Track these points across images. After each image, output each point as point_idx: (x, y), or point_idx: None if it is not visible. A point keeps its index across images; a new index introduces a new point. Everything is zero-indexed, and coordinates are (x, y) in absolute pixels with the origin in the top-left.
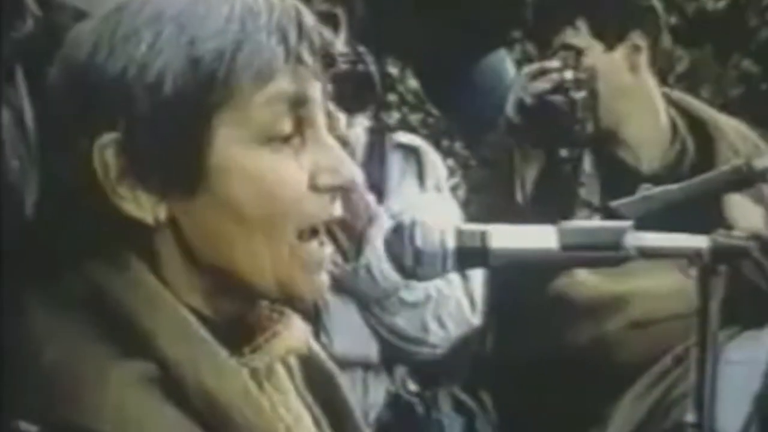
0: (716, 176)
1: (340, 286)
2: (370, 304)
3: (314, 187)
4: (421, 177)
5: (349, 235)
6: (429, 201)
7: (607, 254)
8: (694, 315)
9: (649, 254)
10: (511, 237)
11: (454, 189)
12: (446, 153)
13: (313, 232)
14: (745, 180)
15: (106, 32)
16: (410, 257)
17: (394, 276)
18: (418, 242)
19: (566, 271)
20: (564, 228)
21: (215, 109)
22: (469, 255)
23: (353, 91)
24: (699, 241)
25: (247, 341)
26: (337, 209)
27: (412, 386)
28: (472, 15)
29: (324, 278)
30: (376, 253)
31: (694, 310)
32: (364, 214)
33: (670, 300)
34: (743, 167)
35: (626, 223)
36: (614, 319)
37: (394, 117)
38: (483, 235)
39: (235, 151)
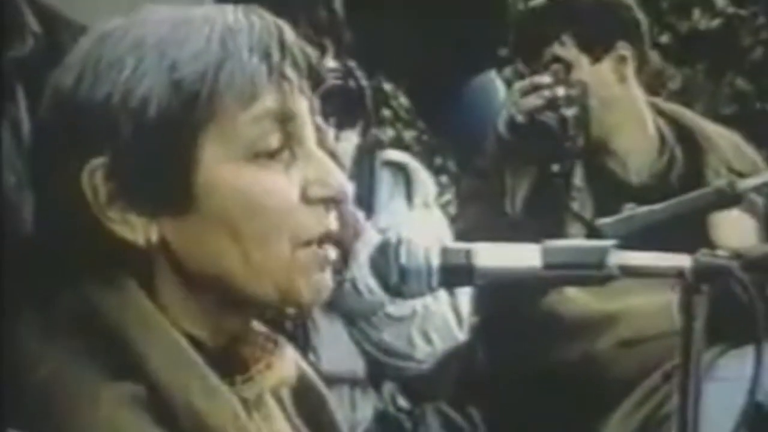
0: (700, 196)
1: (326, 302)
2: (356, 319)
3: (306, 200)
4: (409, 194)
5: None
6: (417, 218)
7: (590, 273)
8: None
9: (631, 273)
10: (495, 255)
11: (446, 206)
12: (439, 170)
13: (309, 243)
14: (728, 200)
15: (91, 61)
16: (395, 275)
17: (379, 290)
18: (403, 260)
19: (554, 288)
20: (548, 247)
21: (200, 128)
22: (454, 273)
23: (343, 107)
24: (681, 261)
25: (240, 371)
26: (333, 222)
27: (401, 402)
28: (462, 35)
29: (326, 278)
30: (361, 267)
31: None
32: (350, 228)
33: (659, 318)
34: (727, 188)
35: (609, 242)
36: (604, 337)
37: (388, 133)
38: (468, 254)
39: (223, 168)
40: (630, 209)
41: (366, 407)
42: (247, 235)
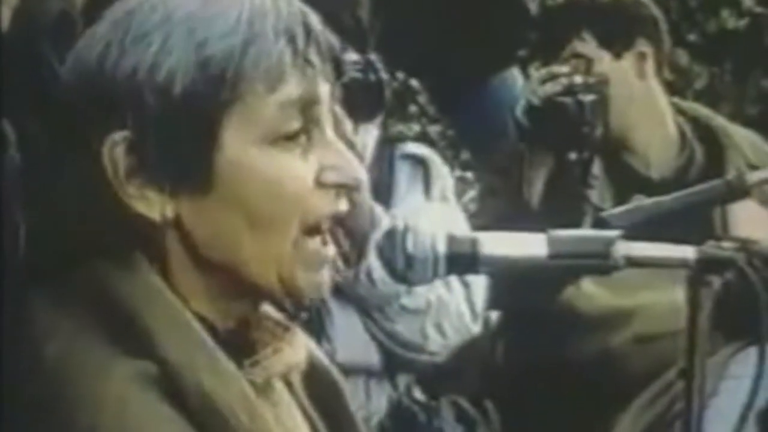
0: (708, 188)
1: (341, 290)
2: (371, 310)
3: (319, 184)
4: (427, 186)
5: (351, 240)
6: (433, 210)
7: (595, 263)
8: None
9: (637, 264)
10: (501, 244)
11: (471, 201)
12: (465, 166)
13: (317, 230)
14: (737, 193)
15: (118, 34)
16: (401, 262)
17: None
18: (410, 247)
19: (560, 278)
20: (553, 236)
21: (224, 108)
22: (459, 261)
23: (362, 100)
24: (686, 252)
25: (248, 355)
26: (343, 205)
27: (416, 394)
28: (483, 33)
29: (325, 277)
30: (376, 258)
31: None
32: (367, 219)
33: (675, 314)
34: (735, 180)
35: (615, 233)
36: (619, 332)
37: (413, 129)
38: (473, 242)
39: (244, 150)
40: (638, 200)
41: (381, 398)
42: (261, 217)
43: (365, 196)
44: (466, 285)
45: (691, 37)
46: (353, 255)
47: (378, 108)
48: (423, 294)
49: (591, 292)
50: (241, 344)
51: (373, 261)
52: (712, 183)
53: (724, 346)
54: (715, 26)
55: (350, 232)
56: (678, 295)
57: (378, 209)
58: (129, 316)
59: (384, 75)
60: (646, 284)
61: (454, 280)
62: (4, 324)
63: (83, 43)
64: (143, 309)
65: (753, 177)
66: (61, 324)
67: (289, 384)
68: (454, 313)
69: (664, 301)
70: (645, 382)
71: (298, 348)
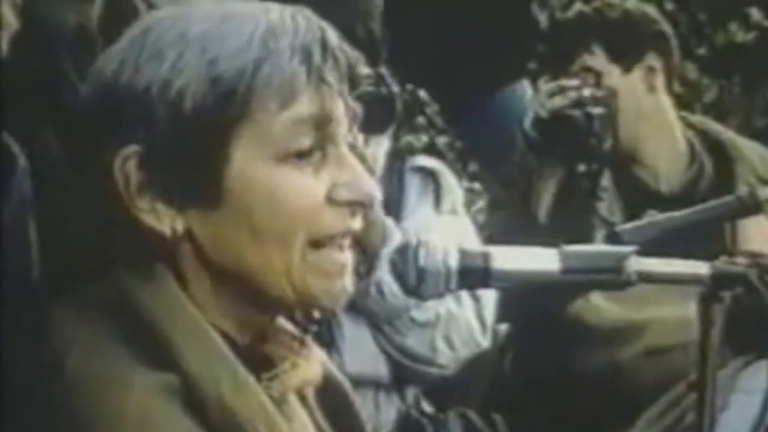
0: (720, 204)
1: (351, 303)
2: (381, 323)
3: (331, 201)
4: (437, 199)
5: (361, 254)
6: (443, 223)
7: (608, 278)
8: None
9: (649, 279)
10: (513, 259)
11: (478, 213)
12: (473, 177)
13: (328, 241)
14: (749, 208)
15: (133, 52)
16: (414, 276)
17: (403, 294)
18: (422, 261)
19: (572, 293)
20: (566, 251)
21: (234, 125)
22: (471, 275)
23: (374, 113)
24: (700, 267)
25: (266, 369)
26: (357, 223)
27: (425, 406)
28: (493, 45)
29: (345, 283)
30: (387, 271)
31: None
32: (378, 233)
33: (685, 328)
34: (747, 196)
35: (628, 249)
36: (629, 346)
37: (421, 140)
38: (485, 256)
39: (254, 166)
40: (651, 216)
41: (389, 410)
42: (266, 231)
43: (378, 211)
44: (476, 299)
45: (700, 51)
46: (363, 268)
47: (389, 121)
48: (433, 307)
49: (600, 305)
50: (259, 358)
51: (383, 275)
52: (724, 199)
53: (733, 360)
54: (723, 39)
55: (360, 246)
56: (689, 308)
57: (389, 224)
58: (151, 327)
59: (395, 88)
60: (656, 298)
61: (464, 293)
62: (19, 333)
63: (101, 59)
64: (165, 320)
65: (765, 193)
66: (82, 335)
67: (302, 398)
68: (463, 326)
69: (675, 314)
70: (654, 395)
71: (314, 363)
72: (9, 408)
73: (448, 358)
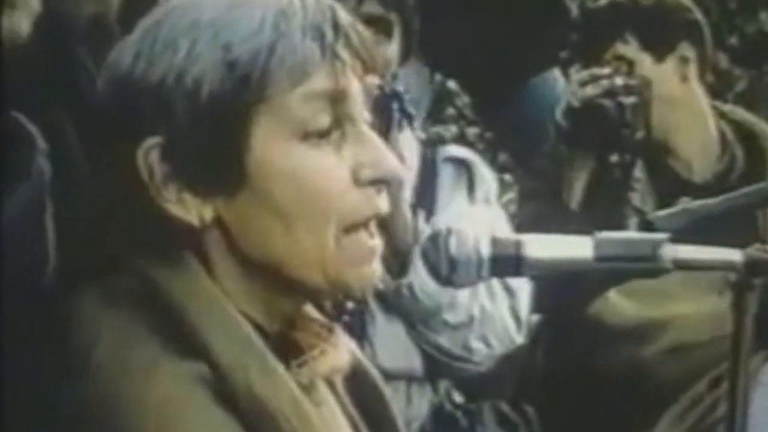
0: (755, 191)
1: (385, 301)
2: (415, 322)
3: (357, 182)
4: (471, 190)
5: (393, 253)
6: (478, 214)
7: (642, 266)
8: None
9: (684, 266)
10: (545, 246)
11: (510, 203)
12: (503, 168)
13: (360, 226)
14: None
15: (147, 43)
16: (445, 265)
17: (436, 296)
18: (453, 250)
19: (606, 282)
20: (600, 239)
21: (252, 109)
22: (503, 263)
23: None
24: (733, 255)
25: (295, 356)
26: (384, 205)
27: (457, 398)
28: (523, 34)
29: (375, 269)
30: (419, 272)
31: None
32: (407, 229)
33: (707, 324)
34: None
35: (662, 236)
36: (652, 343)
37: (451, 131)
38: (517, 244)
39: (274, 148)
40: (684, 203)
41: (422, 402)
42: (296, 217)
43: (405, 207)
44: (510, 293)
45: (732, 41)
46: (395, 267)
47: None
48: (465, 307)
49: (620, 304)
50: (288, 346)
51: (414, 275)
52: (757, 186)
53: (756, 353)
54: (754, 29)
55: (392, 245)
56: (711, 305)
57: (420, 222)
58: (179, 316)
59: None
60: (678, 295)
61: (498, 289)
62: (33, 327)
63: (116, 53)
64: (193, 309)
65: None
66: (110, 326)
67: (331, 385)
68: (498, 324)
69: (697, 311)
70: (678, 392)
71: (342, 350)
72: (25, 406)
73: (483, 355)
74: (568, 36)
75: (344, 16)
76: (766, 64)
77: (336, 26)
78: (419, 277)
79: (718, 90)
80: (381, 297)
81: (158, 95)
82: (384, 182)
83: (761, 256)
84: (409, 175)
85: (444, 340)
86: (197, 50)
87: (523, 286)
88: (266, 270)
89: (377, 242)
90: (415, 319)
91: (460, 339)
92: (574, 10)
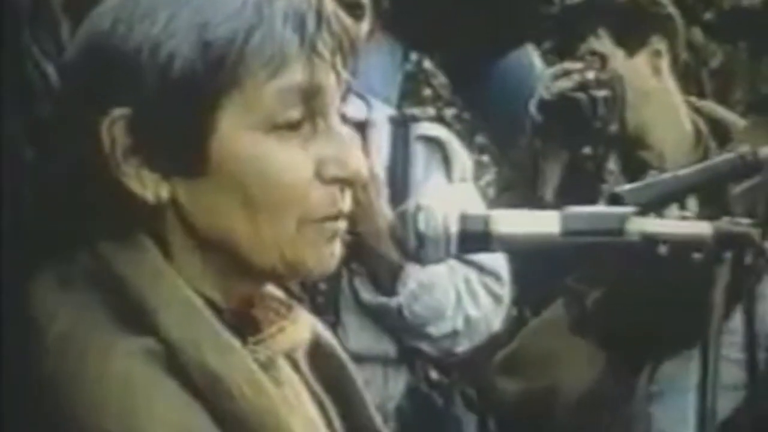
0: (721, 163)
1: (368, 311)
2: (399, 333)
3: (320, 178)
4: (447, 169)
5: (383, 269)
6: (457, 192)
7: (609, 240)
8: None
9: (652, 239)
10: (513, 222)
11: (487, 186)
12: (481, 149)
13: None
14: (750, 167)
15: (126, 10)
16: (413, 241)
17: (423, 314)
18: (422, 226)
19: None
20: (567, 213)
21: (222, 92)
22: (472, 239)
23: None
24: (702, 227)
25: (252, 333)
26: (347, 205)
27: (434, 376)
28: (497, 11)
29: (335, 250)
30: (409, 293)
31: None
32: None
33: None
34: (748, 155)
35: (629, 209)
36: None
37: (428, 112)
38: (486, 220)
39: (241, 136)
40: (651, 176)
41: (398, 383)
42: (259, 205)
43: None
44: (496, 298)
45: (707, 16)
46: (385, 285)
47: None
48: (450, 320)
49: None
50: (245, 323)
51: (404, 296)
52: (725, 156)
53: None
54: (730, 3)
55: (382, 262)
56: None
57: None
58: (133, 295)
59: None
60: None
61: (480, 293)
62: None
63: (94, 16)
64: (147, 288)
65: (766, 152)
66: (65, 305)
67: (294, 362)
68: (485, 331)
69: None
70: None
71: (303, 326)
72: None
73: (466, 348)
74: (542, 10)
75: (329, 5)
76: (741, 39)
77: (319, 16)
78: (409, 297)
79: (693, 66)
80: (366, 311)
81: (131, 65)
82: (347, 182)
83: (730, 228)
84: (378, 169)
85: (426, 346)
86: (175, 24)
87: (506, 288)
88: (224, 252)
89: (339, 225)
90: (400, 331)
91: (443, 346)
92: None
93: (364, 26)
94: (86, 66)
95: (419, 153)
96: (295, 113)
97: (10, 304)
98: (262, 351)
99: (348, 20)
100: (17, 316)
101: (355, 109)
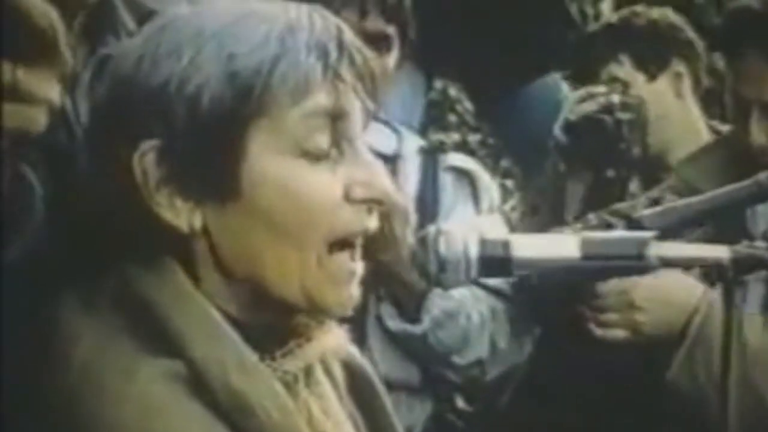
0: (739, 189)
1: (393, 337)
2: (423, 362)
3: (348, 199)
4: (475, 199)
5: (408, 297)
6: (484, 223)
7: (629, 264)
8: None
9: (671, 264)
10: (533, 246)
11: (512, 210)
12: (505, 174)
13: (345, 245)
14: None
15: (151, 47)
16: (434, 265)
17: (448, 342)
18: (442, 250)
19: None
20: (586, 238)
21: (251, 121)
22: (492, 264)
23: None
24: (720, 252)
25: (280, 345)
26: (373, 223)
27: (460, 403)
28: (524, 36)
29: (353, 292)
30: (433, 320)
31: None
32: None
33: None
34: (765, 180)
35: (649, 234)
36: None
37: (452, 138)
38: (506, 244)
39: (270, 161)
40: (671, 201)
41: (424, 409)
42: (287, 228)
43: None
44: (521, 328)
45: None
46: (409, 311)
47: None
48: (473, 352)
49: None
50: (272, 336)
51: (428, 323)
52: (743, 183)
53: None
54: None
55: (408, 289)
56: None
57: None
58: (158, 318)
59: None
60: None
61: (506, 324)
62: (31, 327)
63: (118, 56)
64: (172, 311)
65: None
66: (90, 326)
67: (333, 379)
68: (510, 359)
69: None
70: None
71: (332, 334)
72: (9, 405)
73: (492, 377)
74: (568, 37)
75: (349, 37)
76: None
77: (341, 46)
78: (434, 325)
79: (715, 92)
80: (391, 337)
81: (159, 99)
82: (376, 202)
83: (748, 252)
84: (405, 200)
85: (451, 374)
86: (201, 58)
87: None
88: (249, 283)
89: (358, 266)
90: (425, 359)
91: (469, 375)
92: (574, 11)
93: (393, 57)
94: (114, 103)
95: (448, 183)
96: (322, 139)
97: (34, 326)
98: (292, 362)
99: (369, 54)
100: (42, 340)
101: (386, 140)
